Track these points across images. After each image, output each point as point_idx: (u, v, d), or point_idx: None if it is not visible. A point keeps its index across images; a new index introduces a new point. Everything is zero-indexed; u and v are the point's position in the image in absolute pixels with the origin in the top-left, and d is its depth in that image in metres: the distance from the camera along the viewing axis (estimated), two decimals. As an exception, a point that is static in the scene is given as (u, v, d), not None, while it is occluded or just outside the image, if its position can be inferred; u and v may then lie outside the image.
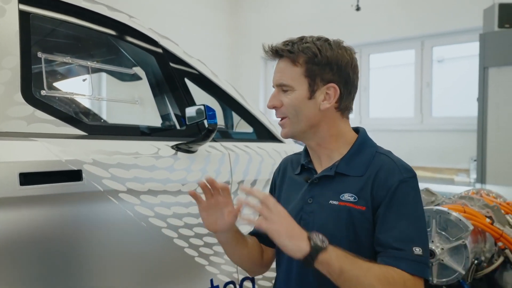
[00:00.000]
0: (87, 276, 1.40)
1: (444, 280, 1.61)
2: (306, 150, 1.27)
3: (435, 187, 3.90)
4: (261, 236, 1.38)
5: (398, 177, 1.09)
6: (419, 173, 4.78)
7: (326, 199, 1.15)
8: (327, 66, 1.14)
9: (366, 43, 5.11)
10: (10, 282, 1.21)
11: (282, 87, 1.17)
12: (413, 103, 4.93)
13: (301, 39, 1.18)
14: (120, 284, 1.50)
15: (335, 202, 1.13)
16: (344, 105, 1.18)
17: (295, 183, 1.26)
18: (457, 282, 1.64)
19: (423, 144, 4.75)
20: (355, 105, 5.36)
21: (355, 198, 1.11)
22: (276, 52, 1.17)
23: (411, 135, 4.85)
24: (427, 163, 4.67)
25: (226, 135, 2.20)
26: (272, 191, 1.39)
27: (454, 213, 1.62)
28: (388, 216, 1.08)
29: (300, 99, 1.15)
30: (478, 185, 3.79)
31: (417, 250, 1.05)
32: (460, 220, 1.60)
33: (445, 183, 4.28)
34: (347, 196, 1.12)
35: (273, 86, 1.21)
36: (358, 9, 4.66)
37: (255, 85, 6.06)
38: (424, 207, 1.72)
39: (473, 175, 4.25)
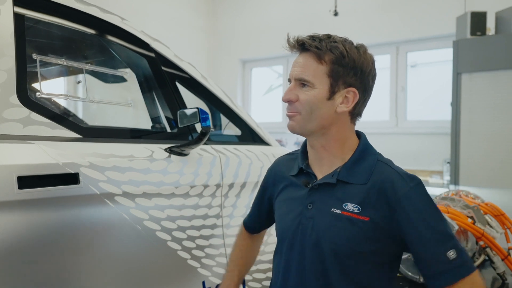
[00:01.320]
0: (83, 278, 1.39)
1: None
2: (303, 152, 1.25)
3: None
4: (250, 227, 1.45)
5: (405, 189, 1.08)
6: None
7: (327, 207, 1.13)
8: (352, 70, 1.11)
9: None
10: (9, 285, 1.19)
11: (301, 82, 1.13)
12: (389, 107, 5.06)
13: (329, 37, 1.13)
14: (114, 286, 1.49)
15: (337, 211, 1.11)
16: (357, 111, 1.17)
17: (292, 185, 1.24)
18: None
19: (398, 147, 4.87)
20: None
21: (358, 209, 1.09)
22: (303, 45, 1.13)
23: (386, 138, 4.97)
24: (402, 165, 4.67)
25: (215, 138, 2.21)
26: (263, 191, 1.38)
27: (440, 214, 1.69)
28: (412, 233, 1.07)
29: (318, 98, 1.11)
30: (452, 187, 3.93)
31: (452, 254, 1.05)
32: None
33: (419, 184, 4.41)
34: (350, 206, 1.10)
35: (289, 80, 1.17)
36: (336, 14, 4.75)
37: (233, 88, 6.08)
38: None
39: (447, 177, 4.41)
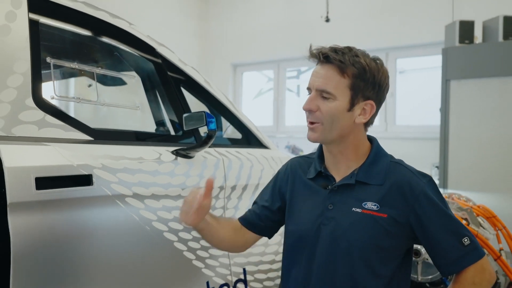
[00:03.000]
0: (95, 276, 1.42)
1: (428, 277, 1.74)
2: (320, 157, 1.31)
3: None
4: (246, 221, 1.45)
5: (421, 185, 1.18)
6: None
7: (348, 206, 1.20)
8: (371, 84, 1.18)
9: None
10: (27, 283, 1.21)
11: (322, 93, 1.18)
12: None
13: (350, 49, 1.19)
14: (124, 285, 1.52)
15: (358, 210, 1.19)
16: (371, 121, 1.25)
17: (310, 187, 1.30)
18: (439, 279, 1.78)
19: (387, 151, 4.96)
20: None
21: (377, 207, 1.18)
22: (327, 58, 1.17)
23: (376, 142, 5.07)
24: None
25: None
26: (274, 193, 1.40)
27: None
28: (430, 226, 1.17)
29: (339, 110, 1.17)
30: (440, 190, 4.03)
31: (466, 241, 1.17)
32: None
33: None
34: (370, 205, 1.18)
35: (309, 89, 1.22)
36: (327, 20, 4.84)
37: (224, 91, 6.09)
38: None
39: (436, 181, 4.51)
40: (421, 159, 4.75)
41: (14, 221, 1.17)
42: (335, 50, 1.18)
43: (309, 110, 1.21)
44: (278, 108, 5.88)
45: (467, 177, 3.84)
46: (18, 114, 1.30)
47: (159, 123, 1.97)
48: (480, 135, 3.78)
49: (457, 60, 3.89)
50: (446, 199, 2.23)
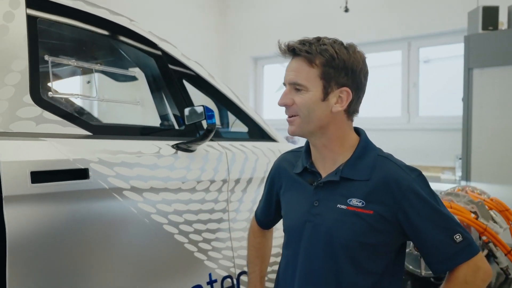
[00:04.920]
0: (92, 269, 1.46)
1: (431, 272, 1.70)
2: (307, 151, 1.29)
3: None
4: (262, 222, 1.51)
5: (408, 180, 1.13)
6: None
7: (333, 203, 1.18)
8: (343, 70, 1.15)
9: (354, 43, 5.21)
10: (23, 275, 1.26)
11: (295, 86, 1.17)
12: (400, 103, 5.05)
13: (318, 40, 1.17)
14: (123, 277, 1.56)
15: (343, 207, 1.16)
16: (352, 109, 1.21)
17: (297, 183, 1.28)
18: (444, 274, 1.73)
19: (409, 143, 4.86)
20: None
21: (362, 203, 1.14)
22: (293, 51, 1.17)
23: (398, 134, 4.97)
24: (413, 162, 4.73)
25: (224, 134, 2.25)
26: (271, 186, 1.42)
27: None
28: (419, 223, 1.13)
29: (313, 100, 1.16)
30: (463, 183, 3.92)
31: (458, 237, 1.12)
32: (446, 214, 1.69)
33: (431, 181, 4.37)
34: (355, 201, 1.15)
35: (284, 84, 1.21)
36: (346, 10, 4.76)
37: (245, 85, 6.13)
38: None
39: (459, 173, 4.38)
40: (445, 150, 4.63)
41: (10, 214, 1.23)
42: (302, 42, 1.17)
43: (284, 105, 1.20)
44: (299, 100, 5.84)
45: (491, 169, 3.71)
46: (16, 110, 1.35)
47: (163, 117, 1.99)
48: (504, 126, 3.65)
49: (480, 47, 3.75)
50: (459, 192, 2.17)
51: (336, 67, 1.14)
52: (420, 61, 5.02)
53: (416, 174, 1.16)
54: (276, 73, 6.41)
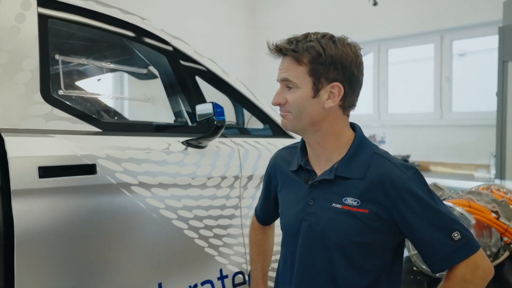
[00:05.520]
0: (99, 262, 1.50)
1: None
2: (302, 149, 1.27)
3: (453, 183, 3.88)
4: (261, 219, 1.51)
5: (404, 178, 1.10)
6: (437, 169, 4.72)
7: (328, 202, 1.16)
8: (331, 66, 1.13)
9: (384, 38, 5.08)
10: (31, 266, 1.32)
11: (287, 84, 1.17)
12: (433, 98, 4.89)
13: (306, 36, 1.16)
14: (130, 271, 1.60)
15: (338, 206, 1.15)
16: (348, 103, 1.18)
17: (292, 181, 1.27)
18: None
19: (442, 140, 4.70)
20: (373, 100, 5.33)
21: (358, 203, 1.12)
22: (280, 51, 1.17)
23: (430, 131, 4.81)
24: (446, 159, 4.63)
25: (245, 131, 2.26)
26: (268, 183, 1.41)
27: (456, 208, 1.64)
28: (415, 222, 1.10)
29: (304, 98, 1.14)
30: (497, 181, 3.75)
31: (456, 235, 1.09)
32: (462, 214, 1.62)
33: (464, 179, 4.23)
34: (350, 201, 1.13)
35: (278, 81, 1.21)
36: (375, 4, 4.64)
37: (273, 81, 6.10)
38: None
39: (493, 171, 4.20)
40: (479, 147, 4.45)
41: (17, 207, 1.28)
42: (289, 41, 1.16)
43: (277, 104, 1.19)
44: (328, 97, 5.77)
45: (526, 166, 3.53)
46: (26, 108, 1.41)
47: (177, 114, 2.02)
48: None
49: (515, 39, 3.56)
50: (483, 191, 2.08)
51: (324, 63, 1.12)
52: (454, 54, 4.83)
53: (411, 172, 1.13)
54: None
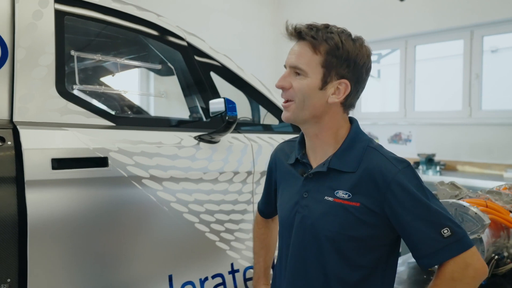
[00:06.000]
0: (109, 252, 1.54)
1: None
2: (300, 142, 1.28)
3: (481, 183, 3.76)
4: (263, 212, 1.51)
5: (394, 172, 1.09)
6: (465, 168, 4.59)
7: (321, 195, 1.16)
8: (345, 62, 1.12)
9: (411, 34, 4.96)
10: (43, 254, 1.37)
11: (295, 70, 1.15)
12: (461, 96, 4.75)
13: (326, 27, 1.15)
14: (140, 262, 1.63)
15: (330, 198, 1.15)
16: (349, 102, 1.18)
17: (290, 174, 1.28)
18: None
19: (470, 139, 4.56)
20: (399, 97, 5.21)
21: (349, 196, 1.12)
22: (299, 34, 1.14)
23: (458, 129, 4.68)
24: (474, 158, 4.49)
25: (268, 128, 2.26)
26: (270, 176, 1.42)
27: (471, 207, 1.60)
28: (404, 216, 1.08)
29: (311, 87, 1.13)
30: (527, 182, 3.61)
31: (446, 232, 1.07)
32: (475, 213, 1.58)
33: (493, 179, 4.10)
34: (341, 194, 1.13)
35: (285, 66, 1.19)
36: (402, -1, 4.55)
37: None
38: (441, 200, 1.71)
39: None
40: (509, 147, 4.29)
41: (31, 197, 1.33)
42: (309, 26, 1.14)
43: (281, 88, 1.17)
44: (353, 94, 5.70)
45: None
46: (42, 102, 1.46)
47: (192, 110, 2.05)
48: None
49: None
50: (504, 191, 2.01)
51: (340, 57, 1.12)
52: (486, 50, 4.67)
53: (403, 166, 1.11)
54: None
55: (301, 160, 1.24)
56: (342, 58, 1.12)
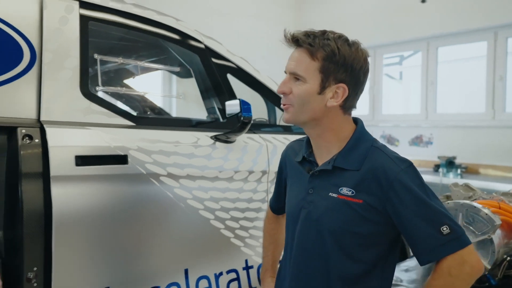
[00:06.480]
0: (127, 245, 1.62)
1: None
2: (307, 141, 1.32)
3: (505, 187, 3.71)
4: (274, 208, 1.56)
5: (396, 171, 1.13)
6: (488, 171, 4.53)
7: (326, 191, 1.21)
8: (342, 67, 1.16)
9: (433, 35, 4.92)
10: (67, 245, 1.46)
11: (294, 76, 1.19)
12: (485, 98, 4.68)
13: (323, 33, 1.18)
14: (159, 257, 1.71)
15: (334, 195, 1.19)
16: (348, 105, 1.21)
17: (298, 171, 1.33)
18: (483, 276, 1.63)
19: (494, 141, 4.49)
20: (421, 100, 5.17)
21: (352, 192, 1.16)
22: (296, 41, 1.18)
23: (481, 132, 4.61)
24: (497, 162, 4.42)
25: (288, 129, 2.32)
26: (280, 173, 1.47)
27: (482, 208, 1.61)
28: (405, 213, 1.12)
29: (309, 92, 1.17)
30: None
31: (445, 230, 1.10)
32: (486, 214, 1.59)
33: (515, 183, 4.03)
34: (345, 190, 1.17)
35: (285, 72, 1.25)
36: (423, 1, 4.52)
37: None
38: (452, 201, 1.73)
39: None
40: (534, 150, 4.21)
41: (56, 191, 1.42)
42: (307, 34, 1.18)
43: (282, 93, 1.23)
44: (374, 96, 5.68)
45: None
46: (67, 103, 1.55)
47: (209, 110, 2.12)
48: None
49: None
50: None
51: (336, 63, 1.16)
52: (509, 52, 4.60)
53: (405, 165, 1.15)
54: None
55: (308, 158, 1.29)
56: (339, 64, 1.16)
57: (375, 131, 5.51)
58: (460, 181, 3.85)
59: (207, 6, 4.99)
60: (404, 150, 5.12)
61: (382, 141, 5.49)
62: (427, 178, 4.43)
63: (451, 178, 4.23)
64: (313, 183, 1.25)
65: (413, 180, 1.13)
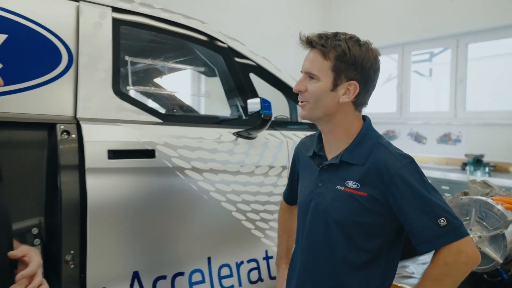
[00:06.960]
0: (156, 233, 1.75)
1: (482, 267, 1.65)
2: (319, 137, 1.41)
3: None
4: (287, 199, 1.65)
5: (397, 166, 1.21)
6: (517, 171, 4.43)
7: (333, 184, 1.30)
8: (353, 66, 1.25)
9: (463, 32, 4.86)
10: (101, 232, 1.60)
11: (309, 75, 1.29)
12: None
13: (335, 35, 1.27)
14: (184, 245, 1.83)
15: (341, 188, 1.28)
16: (360, 101, 1.29)
17: (309, 165, 1.42)
18: (495, 271, 1.67)
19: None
20: (450, 97, 5.12)
21: (357, 186, 1.25)
22: (310, 43, 1.29)
23: (511, 130, 4.53)
24: None
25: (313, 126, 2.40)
26: (293, 166, 1.55)
27: (495, 204, 1.64)
28: (405, 206, 1.20)
29: (323, 90, 1.26)
30: None
31: (442, 222, 1.18)
32: (499, 210, 1.62)
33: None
34: (351, 184, 1.26)
35: (301, 72, 1.34)
36: (452, -3, 4.47)
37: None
38: (465, 196, 1.77)
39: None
40: None
41: (90, 182, 1.56)
42: (320, 36, 1.28)
43: (298, 91, 1.32)
44: (402, 93, 5.65)
45: None
46: (100, 101, 1.69)
47: (233, 108, 2.22)
48: None
49: None
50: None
51: (347, 62, 1.25)
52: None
53: (407, 161, 1.22)
54: (383, 65, 6.24)
55: (318, 153, 1.38)
56: (350, 63, 1.25)
57: (403, 129, 5.49)
58: (489, 179, 3.82)
59: (232, 4, 5.09)
60: (432, 148, 5.09)
61: (409, 138, 5.47)
62: (455, 176, 4.41)
63: (479, 177, 4.19)
64: (322, 177, 1.33)
65: (413, 175, 1.21)
